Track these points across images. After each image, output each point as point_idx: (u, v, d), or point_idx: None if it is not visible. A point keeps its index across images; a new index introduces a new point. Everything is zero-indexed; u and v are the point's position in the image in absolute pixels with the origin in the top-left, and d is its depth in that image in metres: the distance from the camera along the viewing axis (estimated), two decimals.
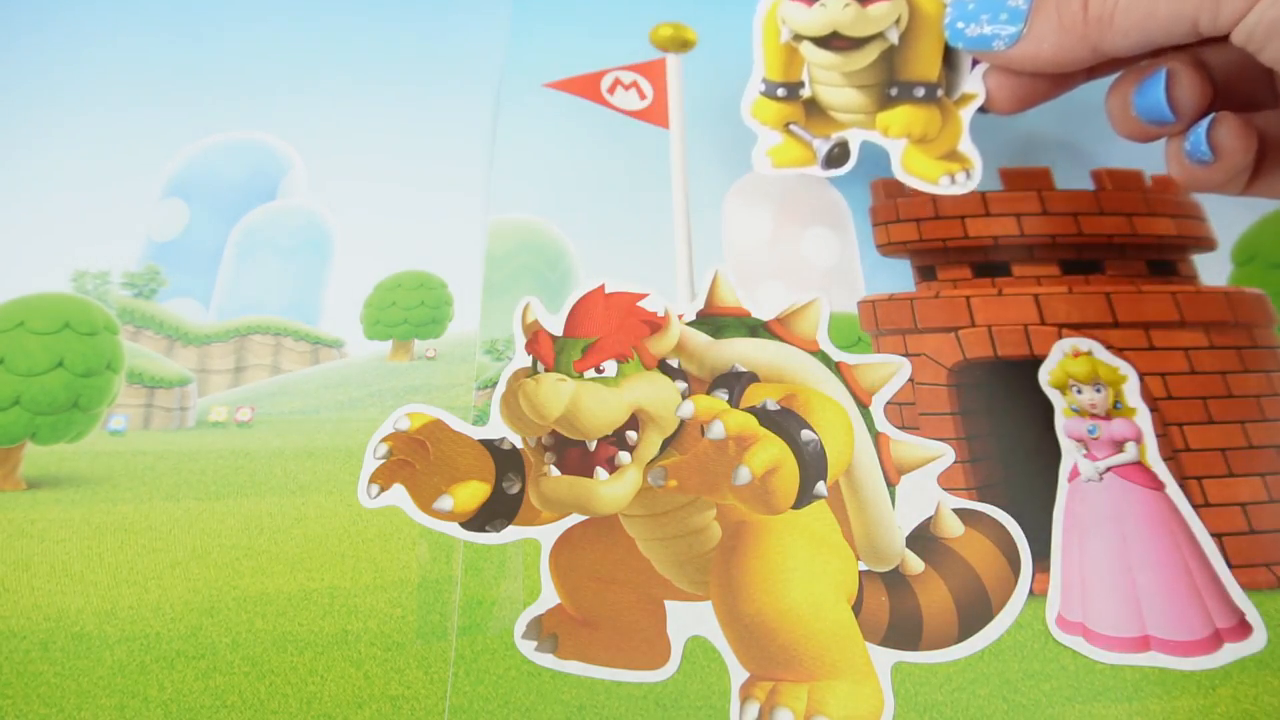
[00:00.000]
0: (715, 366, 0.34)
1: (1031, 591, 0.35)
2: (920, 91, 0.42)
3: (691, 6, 0.54)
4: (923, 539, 0.36)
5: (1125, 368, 0.40)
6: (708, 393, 0.33)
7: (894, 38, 0.41)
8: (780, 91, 0.44)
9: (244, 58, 0.54)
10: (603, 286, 0.34)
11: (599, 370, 0.31)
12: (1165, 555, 0.37)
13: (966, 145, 0.42)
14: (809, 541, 0.33)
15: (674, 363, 0.33)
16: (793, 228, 0.47)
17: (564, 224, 0.47)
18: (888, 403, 0.37)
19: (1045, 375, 0.40)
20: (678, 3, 0.54)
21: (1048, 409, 0.39)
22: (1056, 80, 0.36)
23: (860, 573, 0.34)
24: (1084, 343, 0.40)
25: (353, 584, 0.38)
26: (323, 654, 0.36)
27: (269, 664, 0.36)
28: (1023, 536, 0.36)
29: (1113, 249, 0.45)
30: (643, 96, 0.51)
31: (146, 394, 0.44)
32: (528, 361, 0.33)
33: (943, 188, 0.42)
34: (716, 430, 0.29)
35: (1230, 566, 0.36)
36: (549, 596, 0.36)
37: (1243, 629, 0.35)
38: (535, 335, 0.32)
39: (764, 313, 0.37)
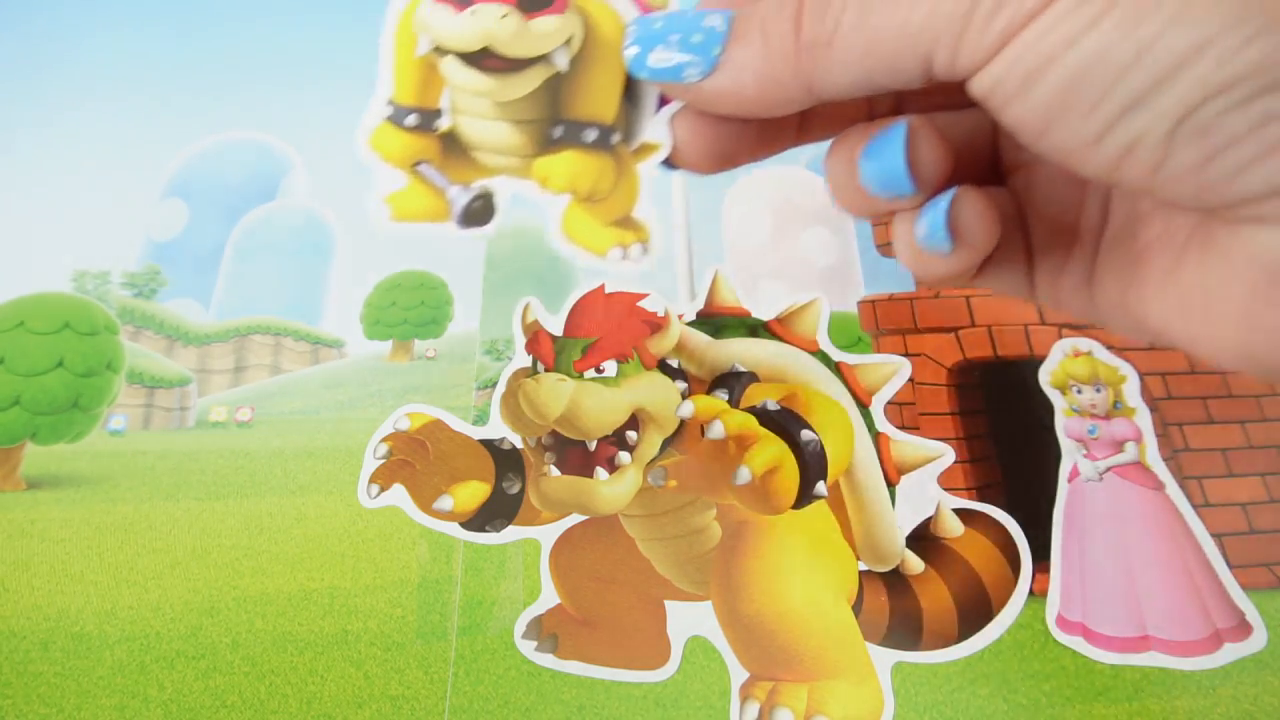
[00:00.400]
0: (715, 366, 0.34)
1: (1031, 591, 0.35)
2: (592, 135, 0.33)
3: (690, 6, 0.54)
4: (923, 539, 0.36)
5: (1125, 368, 0.40)
6: (708, 393, 0.33)
7: (562, 63, 0.32)
8: (411, 119, 0.34)
9: (244, 58, 0.54)
10: (603, 286, 0.34)
11: (599, 370, 0.31)
12: (1165, 555, 0.37)
13: (644, 210, 0.33)
14: (809, 542, 0.33)
15: (674, 363, 0.33)
16: (793, 228, 0.47)
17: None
18: (888, 403, 0.37)
19: (1045, 375, 0.40)
20: (677, 2, 0.54)
21: (1048, 409, 0.39)
22: (763, 133, 0.28)
23: (860, 573, 0.34)
24: (1084, 343, 0.40)
25: (353, 584, 0.38)
26: (323, 654, 0.36)
27: (269, 664, 0.36)
28: (1023, 536, 0.36)
29: None
30: None
31: (146, 394, 0.44)
32: (528, 361, 0.33)
33: (611, 262, 0.33)
34: (716, 430, 0.29)
35: (1230, 566, 0.36)
36: (549, 596, 0.36)
37: (1243, 629, 0.35)
38: (535, 335, 0.32)
39: (764, 313, 0.37)
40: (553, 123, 0.33)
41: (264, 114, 0.52)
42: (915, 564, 0.35)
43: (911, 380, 0.41)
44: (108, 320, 0.45)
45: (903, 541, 0.35)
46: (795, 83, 0.22)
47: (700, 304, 0.38)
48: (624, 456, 0.31)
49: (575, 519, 0.36)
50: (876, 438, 0.35)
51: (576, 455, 0.31)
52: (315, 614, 0.37)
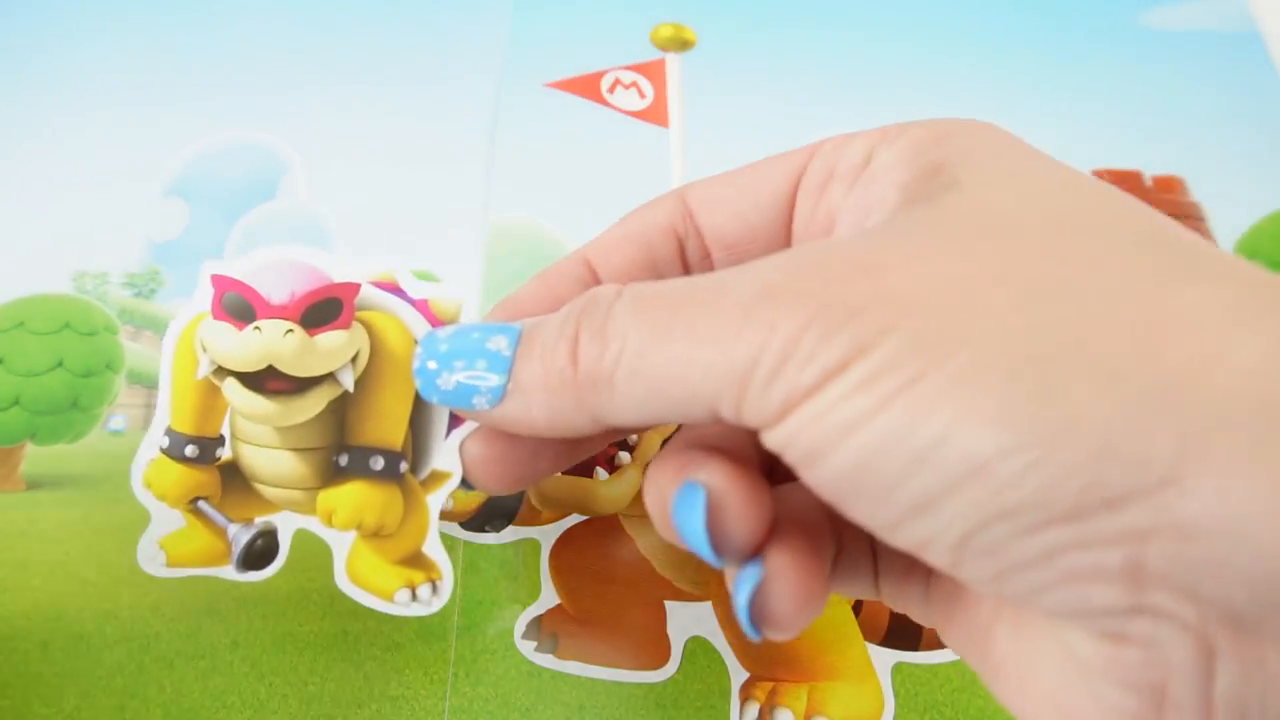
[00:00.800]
0: None
1: None
2: (379, 463, 0.30)
3: (691, 6, 0.54)
4: None
5: None
6: None
7: (348, 382, 0.29)
8: (190, 450, 0.31)
9: (244, 57, 0.54)
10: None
11: None
12: None
13: (434, 546, 0.30)
14: None
15: None
16: None
17: (564, 224, 0.47)
18: None
19: None
20: (678, 3, 0.54)
21: None
22: (568, 445, 0.26)
23: None
24: None
25: None
26: (323, 654, 0.36)
27: (269, 664, 0.36)
28: None
29: None
30: (643, 96, 0.51)
31: (146, 394, 0.44)
32: None
33: (399, 605, 0.30)
34: None
35: None
36: (549, 596, 0.36)
37: None
38: None
39: None
40: (338, 450, 0.30)
41: (264, 114, 0.52)
42: None
43: None
44: (107, 320, 0.45)
45: None
46: (579, 412, 0.20)
47: None
48: (624, 456, 0.31)
49: (575, 519, 0.36)
50: None
51: None
52: (315, 614, 0.37)
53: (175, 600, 0.37)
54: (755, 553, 0.20)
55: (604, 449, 0.30)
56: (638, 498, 0.31)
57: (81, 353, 0.44)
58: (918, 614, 0.23)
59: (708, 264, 0.26)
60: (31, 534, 0.39)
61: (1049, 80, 0.53)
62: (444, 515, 0.34)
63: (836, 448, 0.16)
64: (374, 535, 0.30)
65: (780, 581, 0.20)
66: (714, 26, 0.53)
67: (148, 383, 0.45)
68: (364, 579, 0.31)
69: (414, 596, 0.30)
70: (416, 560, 0.31)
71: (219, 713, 0.35)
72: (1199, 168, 0.47)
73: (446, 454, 0.30)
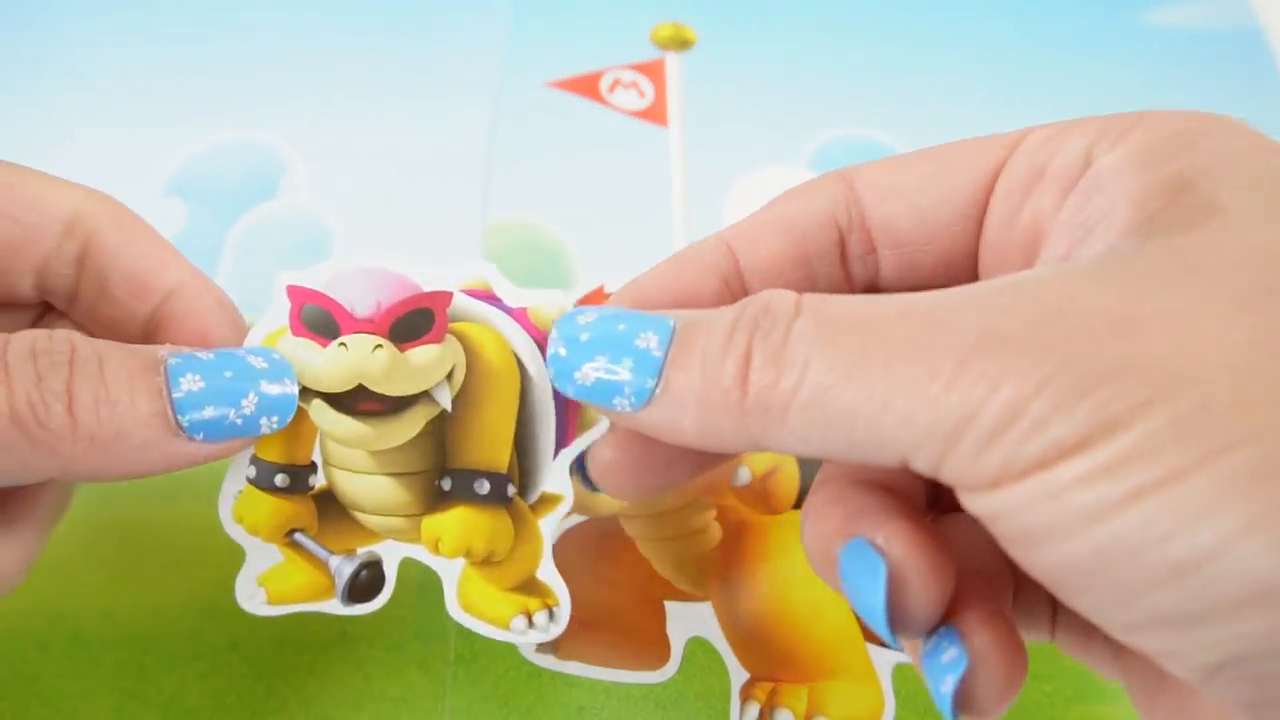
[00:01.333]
0: None
1: None
2: (484, 486, 0.28)
3: (691, 6, 0.54)
4: None
5: None
6: None
7: (445, 401, 0.27)
8: (280, 479, 0.28)
9: (244, 57, 0.54)
10: (602, 287, 0.34)
11: None
12: None
13: (549, 571, 0.29)
14: None
15: None
16: None
17: (564, 224, 0.47)
18: None
19: None
20: (678, 3, 0.54)
21: None
22: (711, 454, 0.23)
23: None
24: None
25: None
26: (323, 654, 0.36)
27: (269, 664, 0.36)
28: None
29: None
30: (643, 96, 0.51)
31: None
32: None
33: (516, 633, 0.28)
34: None
35: None
36: None
37: None
38: None
39: None
40: (440, 473, 0.28)
41: (264, 114, 0.52)
42: None
43: None
44: None
45: None
46: (737, 434, 0.18)
47: None
48: None
49: (575, 519, 0.36)
50: None
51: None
52: (315, 614, 0.37)
53: (175, 600, 0.37)
54: (938, 625, 0.18)
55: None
56: None
57: None
58: (1101, 670, 0.21)
59: (871, 261, 0.22)
60: None
61: (1049, 79, 0.53)
62: None
63: (1068, 537, 0.14)
64: (484, 562, 0.29)
65: (987, 667, 0.18)
66: (714, 26, 0.53)
67: None
68: (477, 608, 0.29)
69: (530, 624, 0.28)
70: (531, 586, 0.29)
71: (218, 714, 0.35)
72: None
73: (556, 475, 0.28)
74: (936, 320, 0.16)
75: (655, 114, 0.50)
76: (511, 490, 0.28)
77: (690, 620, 0.35)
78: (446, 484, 0.28)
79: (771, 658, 0.32)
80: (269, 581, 0.29)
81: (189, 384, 0.23)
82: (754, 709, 0.32)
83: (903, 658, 0.34)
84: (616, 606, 0.35)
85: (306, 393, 0.26)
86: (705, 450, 0.19)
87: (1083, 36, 0.54)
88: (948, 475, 0.15)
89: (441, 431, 0.28)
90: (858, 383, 0.16)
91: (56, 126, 0.51)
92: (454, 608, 0.29)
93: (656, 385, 0.19)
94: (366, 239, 0.48)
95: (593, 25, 0.54)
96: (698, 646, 0.35)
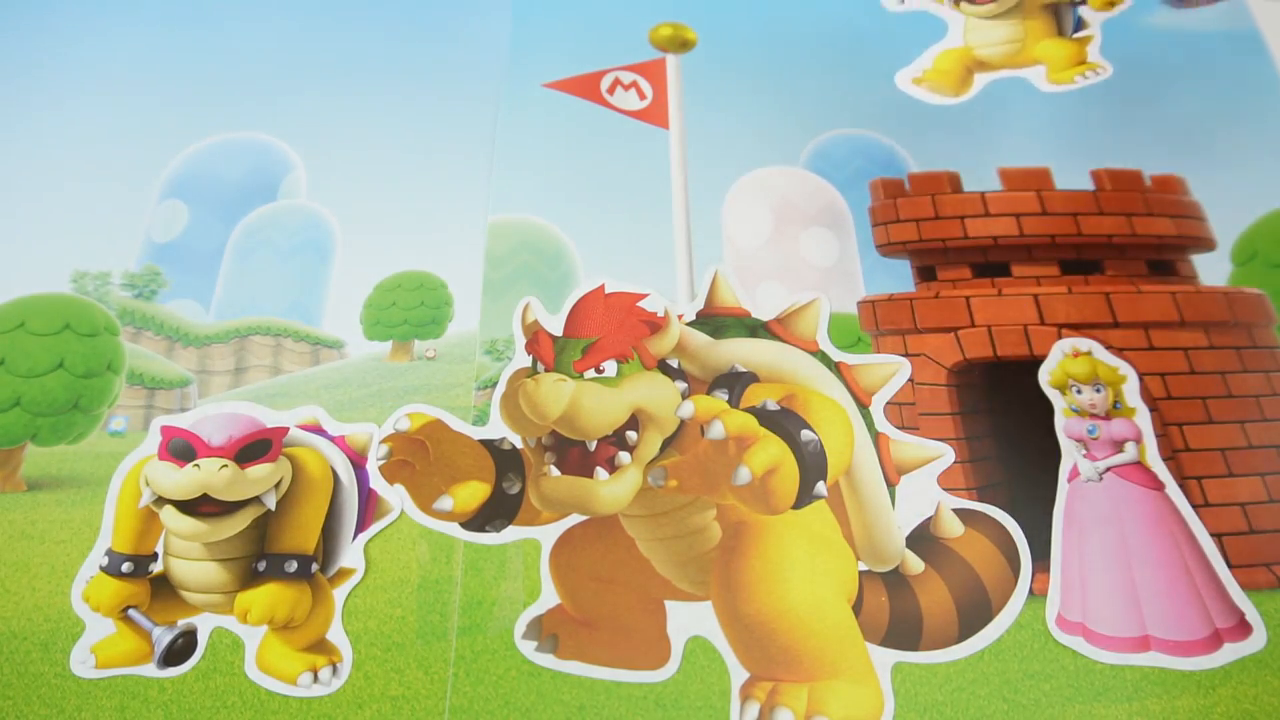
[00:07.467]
0: (715, 366, 0.34)
1: (1031, 591, 0.35)
2: (293, 566, 0.36)
3: (691, 6, 0.54)
4: (923, 539, 0.36)
5: (1125, 368, 0.40)
6: (708, 393, 0.33)
7: (270, 502, 0.36)
8: (126, 566, 0.36)
9: (244, 58, 0.54)
10: (602, 286, 0.34)
11: (599, 370, 0.31)
12: (1165, 555, 0.37)
13: (337, 633, 0.36)
14: (809, 542, 0.33)
15: (674, 363, 0.33)
16: (793, 228, 0.47)
17: (564, 224, 0.47)
18: (888, 403, 0.37)
19: (1045, 375, 0.40)
20: (678, 3, 0.54)
21: (1048, 409, 0.39)
22: None
23: (860, 573, 0.34)
24: (1084, 343, 0.40)
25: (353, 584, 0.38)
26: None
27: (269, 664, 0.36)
28: (1022, 536, 0.36)
29: (1112, 249, 0.45)
30: (642, 96, 0.51)
31: (147, 395, 0.44)
32: (528, 361, 0.33)
33: (301, 688, 0.35)
34: (716, 430, 0.29)
35: (1230, 566, 0.36)
36: (549, 596, 0.36)
37: (1242, 629, 0.35)
38: (535, 335, 0.32)
39: (764, 313, 0.37)
40: (257, 558, 0.36)
41: (264, 114, 0.52)
42: (915, 564, 0.35)
43: (911, 380, 0.41)
44: (108, 321, 0.45)
45: (903, 542, 0.35)
46: None
47: (700, 304, 0.38)
48: (624, 456, 0.31)
49: (575, 519, 0.36)
50: (876, 438, 0.35)
51: (576, 455, 0.31)
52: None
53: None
54: None
55: (604, 449, 0.30)
56: (638, 498, 0.31)
57: (82, 354, 0.44)
58: None
59: None
60: (32, 534, 0.39)
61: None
62: (445, 516, 0.34)
63: None
64: (284, 628, 0.35)
65: None
66: (714, 26, 0.53)
67: (148, 384, 0.45)
68: (271, 666, 0.35)
69: (315, 678, 0.35)
70: (321, 646, 0.36)
71: (219, 713, 0.35)
72: (1199, 168, 0.47)
73: (353, 553, 0.37)
74: None
75: (655, 114, 0.50)
76: (314, 567, 0.36)
77: (690, 620, 0.35)
78: (261, 565, 0.36)
79: (771, 657, 0.32)
80: (99, 650, 0.36)
81: None
82: (754, 708, 0.32)
83: (903, 657, 0.34)
84: (616, 606, 0.35)
85: (160, 500, 0.35)
86: None
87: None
88: None
89: (263, 525, 0.36)
90: None
91: (58, 127, 0.51)
92: (251, 667, 0.35)
93: None
94: (366, 239, 0.48)
95: (593, 25, 0.54)
96: (698, 646, 0.35)
